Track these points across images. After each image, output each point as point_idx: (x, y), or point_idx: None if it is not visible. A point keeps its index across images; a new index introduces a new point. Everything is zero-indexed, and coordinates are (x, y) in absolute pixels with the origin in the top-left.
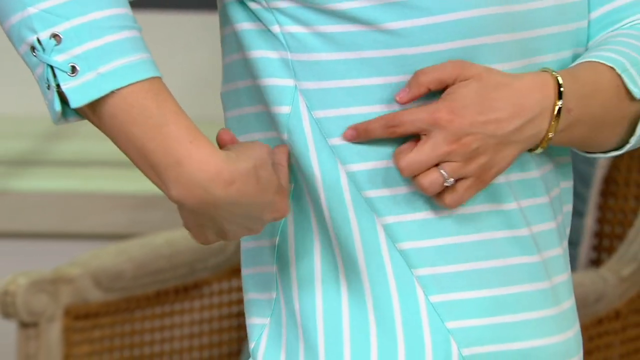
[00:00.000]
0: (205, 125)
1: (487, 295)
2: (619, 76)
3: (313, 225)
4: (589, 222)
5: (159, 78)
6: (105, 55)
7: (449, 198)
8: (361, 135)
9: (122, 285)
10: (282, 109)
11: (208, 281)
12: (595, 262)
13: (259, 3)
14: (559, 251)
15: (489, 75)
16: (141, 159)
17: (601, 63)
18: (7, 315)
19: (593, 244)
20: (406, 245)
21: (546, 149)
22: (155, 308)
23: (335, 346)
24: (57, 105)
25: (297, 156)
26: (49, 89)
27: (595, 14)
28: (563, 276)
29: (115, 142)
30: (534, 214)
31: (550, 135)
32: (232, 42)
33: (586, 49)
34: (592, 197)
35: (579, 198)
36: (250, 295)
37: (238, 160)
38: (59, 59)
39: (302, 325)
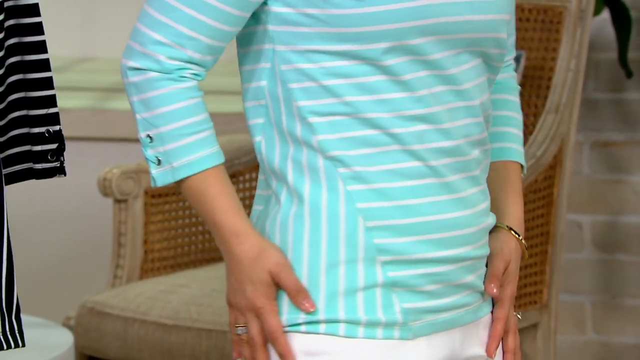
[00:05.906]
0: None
1: (396, 185)
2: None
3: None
4: None
5: (216, 167)
6: (177, 154)
7: None
8: None
9: None
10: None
11: (242, 172)
12: None
13: None
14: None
15: None
16: (209, 224)
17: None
18: (106, 194)
19: None
20: (333, 154)
21: None
22: None
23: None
24: (152, 182)
25: None
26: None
27: None
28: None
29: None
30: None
31: None
32: None
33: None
34: None
35: None
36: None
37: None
38: (150, 153)
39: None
